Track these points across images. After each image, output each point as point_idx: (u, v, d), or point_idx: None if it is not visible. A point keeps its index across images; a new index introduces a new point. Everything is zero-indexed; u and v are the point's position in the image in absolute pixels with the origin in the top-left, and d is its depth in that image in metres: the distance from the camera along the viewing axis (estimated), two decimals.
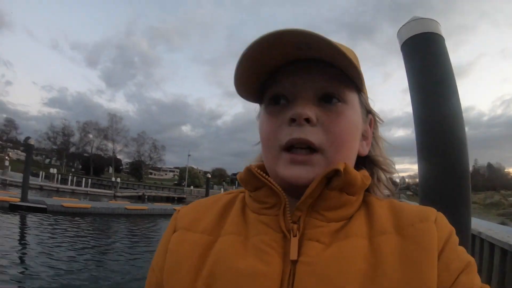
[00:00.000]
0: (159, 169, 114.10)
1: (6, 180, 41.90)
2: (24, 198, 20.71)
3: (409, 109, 2.96)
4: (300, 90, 0.66)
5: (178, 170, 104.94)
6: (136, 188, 58.19)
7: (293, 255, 0.60)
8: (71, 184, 50.26)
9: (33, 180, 36.49)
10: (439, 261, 0.57)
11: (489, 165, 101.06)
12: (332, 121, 0.65)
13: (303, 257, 0.60)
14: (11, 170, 55.21)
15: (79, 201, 27.30)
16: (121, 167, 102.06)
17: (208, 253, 0.66)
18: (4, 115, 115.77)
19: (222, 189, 55.23)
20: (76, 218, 19.94)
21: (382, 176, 0.78)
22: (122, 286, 8.88)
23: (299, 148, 0.64)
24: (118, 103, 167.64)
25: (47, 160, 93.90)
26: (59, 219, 18.79)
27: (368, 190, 0.74)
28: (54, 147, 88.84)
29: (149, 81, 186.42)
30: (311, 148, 0.63)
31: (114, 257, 12.03)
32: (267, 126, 0.68)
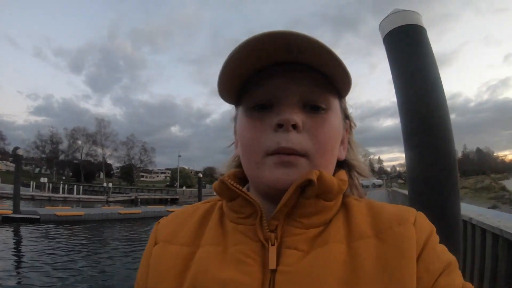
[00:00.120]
0: (150, 172, 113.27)
1: None
2: (16, 209, 20.47)
3: (396, 99, 2.99)
4: (285, 95, 0.64)
5: (169, 172, 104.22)
6: (128, 192, 57.60)
7: (272, 265, 0.60)
8: (63, 192, 49.76)
9: (24, 191, 35.98)
10: (419, 263, 0.58)
11: (478, 150, 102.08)
12: (318, 128, 0.64)
13: (282, 266, 0.60)
14: (1, 182, 54.48)
15: (72, 209, 27.05)
16: (112, 172, 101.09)
17: (189, 265, 0.66)
18: None
19: None
20: (70, 226, 19.80)
21: (356, 179, 0.80)
22: None
23: (284, 154, 0.62)
24: (105, 107, 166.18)
25: (37, 170, 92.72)
26: (53, 228, 18.63)
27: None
28: (43, 155, 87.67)
29: (135, 83, 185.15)
30: (294, 154, 0.63)
31: (111, 262, 11.97)
32: (250, 131, 0.66)
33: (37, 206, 29.93)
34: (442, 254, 0.61)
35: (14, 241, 15.37)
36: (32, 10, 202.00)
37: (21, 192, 23.47)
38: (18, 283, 9.24)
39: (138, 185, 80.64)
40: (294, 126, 0.62)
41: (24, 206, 24.04)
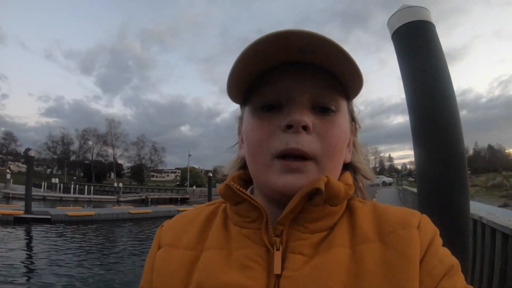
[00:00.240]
0: (160, 171, 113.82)
1: (9, 193, 41.80)
2: (28, 210, 20.67)
3: (405, 96, 2.97)
4: (295, 95, 0.63)
5: (179, 171, 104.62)
6: (138, 191, 57.92)
7: (277, 269, 0.60)
8: (74, 193, 50.07)
9: (35, 191, 36.37)
10: (421, 267, 0.57)
11: (490, 147, 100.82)
12: (327, 130, 0.63)
13: (286, 271, 0.59)
14: (13, 182, 55.08)
15: (83, 209, 27.35)
16: (122, 172, 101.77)
17: (193, 269, 0.65)
18: (3, 129, 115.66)
19: None
20: (81, 226, 19.95)
21: (361, 181, 0.79)
22: None
23: (293, 157, 0.61)
24: (116, 108, 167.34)
25: (49, 170, 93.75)
26: (64, 228, 18.82)
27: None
28: (55, 156, 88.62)
29: (145, 83, 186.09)
30: (303, 157, 0.61)
31: (122, 261, 12.11)
32: (258, 131, 0.64)
33: (49, 206, 30.21)
34: (445, 258, 0.60)
35: (26, 240, 15.57)
36: (41, 13, 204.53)
37: (33, 193, 23.74)
38: (29, 281, 9.34)
39: (149, 184, 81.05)
40: (304, 128, 0.61)
41: (35, 206, 24.33)
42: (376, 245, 0.60)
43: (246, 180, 0.76)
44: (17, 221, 19.57)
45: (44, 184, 52.61)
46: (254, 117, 0.66)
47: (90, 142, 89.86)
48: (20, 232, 17.27)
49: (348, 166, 0.76)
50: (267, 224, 0.64)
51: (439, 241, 0.63)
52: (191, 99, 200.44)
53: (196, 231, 0.72)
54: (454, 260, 0.61)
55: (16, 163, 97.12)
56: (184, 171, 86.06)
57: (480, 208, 4.86)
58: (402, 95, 2.95)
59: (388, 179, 62.33)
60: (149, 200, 46.01)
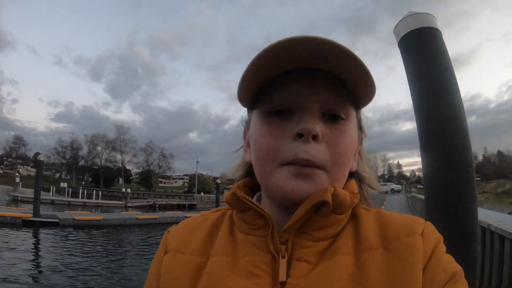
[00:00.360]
0: (168, 177, 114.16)
1: (17, 196, 42.02)
2: (36, 213, 20.77)
3: (412, 103, 2.96)
4: (306, 102, 0.62)
5: (187, 177, 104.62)
6: (146, 197, 58.02)
7: (282, 277, 0.60)
8: (82, 197, 50.26)
9: (44, 195, 36.56)
10: (424, 274, 0.57)
11: (499, 153, 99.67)
12: (337, 139, 0.63)
13: (292, 278, 0.59)
14: (22, 186, 55.39)
15: (91, 214, 27.41)
16: (130, 178, 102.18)
17: (200, 276, 0.66)
18: (13, 133, 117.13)
19: None
20: (89, 230, 20.03)
21: (365, 190, 0.79)
22: None
23: (302, 165, 0.61)
24: (125, 114, 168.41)
25: (57, 175, 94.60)
26: (72, 232, 18.87)
27: None
28: (64, 161, 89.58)
29: (154, 90, 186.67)
30: (312, 166, 0.61)
31: (129, 266, 12.15)
32: (267, 138, 0.64)
33: (57, 210, 30.31)
34: (448, 265, 0.60)
35: (34, 243, 15.63)
36: (52, 20, 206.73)
37: (41, 197, 23.87)
38: (36, 283, 9.39)
39: (157, 190, 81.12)
40: (314, 137, 0.61)
41: (44, 210, 24.39)
42: (380, 253, 0.60)
43: (251, 187, 0.76)
44: (25, 224, 19.65)
45: (52, 188, 52.96)
46: (262, 122, 0.66)
47: (99, 148, 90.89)
48: (28, 235, 17.35)
49: (353, 174, 0.75)
50: (272, 232, 0.64)
51: (442, 248, 0.63)
52: (199, 106, 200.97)
53: (202, 237, 0.72)
54: (457, 267, 0.61)
55: (25, 167, 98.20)
56: (192, 177, 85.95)
57: (489, 216, 4.81)
58: (410, 102, 2.95)
59: (396, 186, 61.94)
60: (157, 206, 46.06)
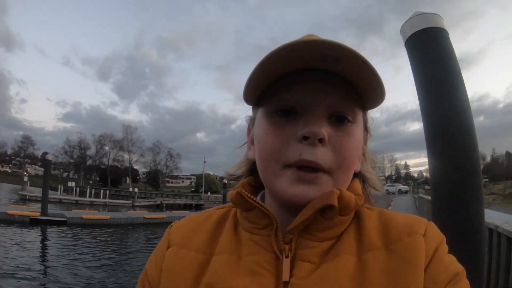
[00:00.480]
0: (175, 177, 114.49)
1: (26, 195, 42.25)
2: (44, 212, 20.93)
3: (419, 104, 2.95)
4: (313, 104, 0.62)
5: (194, 177, 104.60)
6: (154, 197, 58.20)
7: (285, 277, 0.59)
8: (90, 196, 50.45)
9: (52, 194, 36.75)
10: (426, 275, 0.57)
11: (508, 154, 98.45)
12: (343, 143, 0.62)
13: (294, 278, 0.59)
14: (30, 185, 55.76)
15: (98, 213, 27.54)
16: (138, 177, 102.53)
17: (203, 273, 0.65)
18: (21, 132, 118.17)
19: None
20: (96, 229, 20.11)
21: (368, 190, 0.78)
22: None
23: (306, 167, 0.60)
24: (132, 114, 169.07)
25: (65, 174, 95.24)
26: (79, 231, 18.98)
27: None
28: (71, 160, 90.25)
29: (161, 90, 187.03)
30: (317, 168, 0.61)
31: (136, 265, 12.16)
32: (272, 138, 0.63)
33: (64, 209, 30.48)
34: (450, 265, 0.60)
35: (41, 242, 15.74)
36: (59, 21, 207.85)
37: (49, 196, 24.00)
38: (45, 281, 9.46)
39: (164, 190, 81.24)
40: (320, 140, 0.60)
41: (51, 209, 24.56)
42: (382, 253, 0.60)
43: (255, 186, 0.76)
44: (33, 223, 19.79)
45: (60, 187, 53.25)
46: (268, 122, 0.65)
47: (107, 147, 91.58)
48: (36, 233, 17.48)
49: (357, 175, 0.75)
50: (276, 232, 0.64)
51: (444, 248, 0.62)
52: (206, 106, 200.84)
53: (207, 235, 0.72)
54: (459, 267, 0.60)
55: (33, 166, 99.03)
56: (199, 177, 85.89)
57: (497, 217, 4.78)
58: (418, 102, 2.94)
59: (404, 187, 61.55)
60: (164, 205, 46.22)
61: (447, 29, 2.91)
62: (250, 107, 0.74)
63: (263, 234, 0.65)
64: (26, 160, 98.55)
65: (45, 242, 15.70)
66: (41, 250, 13.83)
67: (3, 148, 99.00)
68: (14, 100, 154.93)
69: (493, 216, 4.62)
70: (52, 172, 76.85)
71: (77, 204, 40.17)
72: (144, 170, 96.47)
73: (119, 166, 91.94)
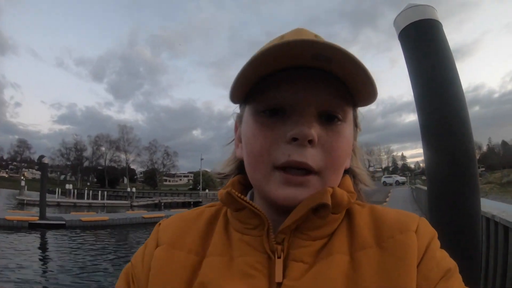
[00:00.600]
0: (173, 175, 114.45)
1: (23, 200, 42.21)
2: (42, 216, 20.87)
3: (413, 96, 2.96)
4: (302, 104, 0.60)
5: (192, 175, 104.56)
6: (152, 196, 58.03)
7: (278, 277, 0.59)
8: (88, 198, 50.36)
9: (50, 197, 36.59)
10: (418, 271, 0.57)
11: (504, 143, 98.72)
12: (333, 143, 0.61)
13: (287, 279, 0.58)
14: (28, 189, 55.69)
15: (97, 214, 27.54)
16: (135, 177, 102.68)
17: (195, 276, 0.64)
18: (16, 136, 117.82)
19: None
20: (95, 231, 20.11)
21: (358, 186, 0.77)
22: None
23: (295, 169, 0.59)
24: (127, 113, 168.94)
25: (62, 176, 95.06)
26: (78, 233, 18.98)
27: None
28: (68, 163, 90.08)
29: (156, 89, 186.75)
30: (307, 170, 0.60)
31: None
32: (260, 139, 0.62)
33: (63, 212, 30.52)
34: (442, 261, 0.60)
35: (41, 246, 15.74)
36: (52, 22, 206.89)
37: (47, 199, 23.96)
38: (46, 285, 9.46)
39: (162, 189, 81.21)
40: (310, 141, 0.59)
41: (50, 212, 24.52)
42: (374, 251, 0.60)
43: (245, 184, 0.74)
44: (32, 227, 19.74)
45: (58, 190, 53.07)
46: (256, 122, 0.63)
47: (103, 148, 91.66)
48: (35, 237, 17.46)
49: (347, 171, 0.74)
50: (268, 232, 0.63)
51: (436, 243, 0.62)
52: (201, 103, 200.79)
53: (199, 235, 0.71)
54: (451, 263, 0.60)
55: (30, 170, 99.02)
56: (196, 175, 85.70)
57: (493, 206, 4.79)
58: (413, 94, 2.94)
59: (401, 178, 61.83)
60: (162, 204, 46.11)
61: (440, 21, 2.91)
62: (235, 103, 0.72)
63: (255, 235, 0.64)
64: (23, 164, 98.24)
65: (45, 246, 15.72)
66: (41, 255, 13.84)
67: None
68: (8, 104, 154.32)
69: (490, 205, 4.62)
70: (49, 175, 76.85)
71: (75, 207, 40.06)
72: (141, 169, 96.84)
73: (116, 166, 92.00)
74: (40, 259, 12.96)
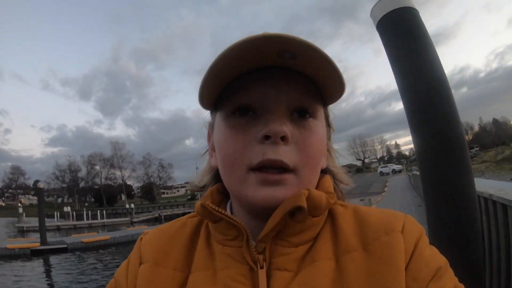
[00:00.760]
0: (170, 187, 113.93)
1: (23, 227, 41.91)
2: (43, 241, 20.74)
3: (397, 85, 2.97)
4: (272, 102, 0.59)
5: (189, 185, 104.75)
6: (151, 210, 57.98)
7: None
8: (87, 219, 50.16)
9: (49, 222, 36.52)
10: (407, 272, 0.56)
11: (495, 121, 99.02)
12: (306, 140, 0.60)
13: None
14: (26, 215, 55.17)
15: (98, 234, 27.38)
16: (133, 193, 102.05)
17: None
18: (9, 163, 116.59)
19: None
20: (98, 251, 20.02)
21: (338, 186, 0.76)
22: None
23: (271, 168, 0.58)
24: (118, 129, 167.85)
25: (60, 199, 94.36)
26: (81, 255, 18.91)
27: None
28: (64, 185, 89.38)
29: (144, 102, 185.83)
30: (283, 168, 0.58)
31: None
32: (233, 142, 0.60)
33: (64, 235, 30.36)
34: (431, 260, 0.59)
35: (46, 271, 15.62)
36: (33, 45, 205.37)
37: (46, 224, 23.85)
38: None
39: (160, 202, 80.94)
40: (283, 138, 0.58)
41: (51, 237, 24.40)
42: (360, 254, 0.59)
43: (224, 192, 0.72)
44: (34, 254, 19.61)
45: (56, 213, 52.81)
46: (227, 126, 0.62)
47: (97, 167, 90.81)
48: (38, 264, 17.35)
49: (325, 171, 0.73)
50: (248, 241, 0.61)
51: (424, 241, 0.62)
52: (191, 112, 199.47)
53: (182, 251, 0.69)
54: (441, 261, 0.60)
55: (26, 196, 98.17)
56: None
57: (489, 185, 4.79)
58: None
59: (397, 167, 61.98)
60: (163, 217, 46.09)
61: (417, 8, 2.92)
62: (206, 110, 0.71)
63: (235, 246, 0.63)
64: (19, 191, 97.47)
65: (50, 272, 15.60)
66: (46, 280, 13.75)
67: None
68: None
69: (486, 185, 4.61)
70: (46, 199, 76.62)
71: (75, 229, 39.97)
72: (138, 184, 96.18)
73: (113, 184, 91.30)
74: (46, 285, 12.89)
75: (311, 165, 0.62)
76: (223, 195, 0.73)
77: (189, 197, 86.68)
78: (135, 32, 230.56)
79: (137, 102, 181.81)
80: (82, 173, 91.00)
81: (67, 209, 55.62)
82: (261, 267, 0.59)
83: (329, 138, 0.75)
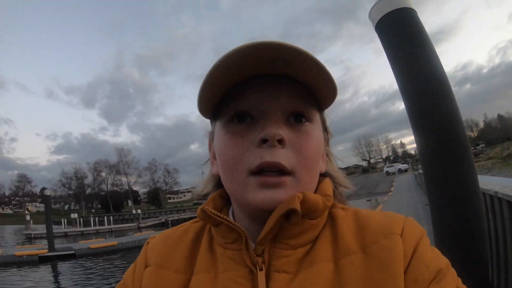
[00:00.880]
0: (176, 192, 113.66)
1: (30, 234, 41.96)
2: (51, 248, 20.77)
3: (397, 85, 2.99)
4: (268, 108, 0.61)
5: (192, 193, 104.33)
6: (158, 215, 57.93)
7: None
8: (94, 225, 50.15)
9: (56, 229, 36.56)
10: (407, 276, 0.56)
11: (499, 117, 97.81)
12: (302, 143, 0.62)
13: None
14: (33, 223, 55.29)
15: (105, 240, 27.40)
16: (139, 198, 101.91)
17: None
18: (16, 172, 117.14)
19: None
20: (106, 257, 20.05)
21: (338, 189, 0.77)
22: None
23: (269, 171, 0.59)
24: (123, 136, 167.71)
25: (66, 206, 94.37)
26: (89, 261, 18.93)
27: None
28: (70, 192, 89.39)
29: (149, 108, 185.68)
30: (281, 171, 0.60)
31: None
32: (232, 147, 0.62)
33: (71, 241, 30.39)
34: (432, 262, 0.59)
35: (54, 278, 15.65)
36: (37, 54, 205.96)
37: (54, 230, 23.86)
38: None
39: (167, 207, 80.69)
40: (280, 141, 0.59)
41: (58, 243, 24.43)
42: (359, 257, 0.59)
43: (226, 197, 0.74)
44: (42, 260, 19.62)
45: (64, 220, 52.91)
46: (226, 133, 0.64)
47: (103, 173, 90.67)
48: (46, 270, 17.40)
49: (325, 175, 0.74)
50: (247, 244, 0.63)
51: (425, 243, 0.62)
52: (195, 116, 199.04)
53: (185, 253, 0.72)
54: (442, 262, 0.60)
55: (33, 203, 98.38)
56: None
57: (494, 182, 4.75)
58: None
59: (403, 166, 61.54)
60: (169, 222, 46.08)
61: (415, 8, 2.94)
62: (206, 118, 0.74)
63: (235, 248, 0.65)
64: (26, 198, 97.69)
65: (58, 278, 15.62)
66: (55, 287, 13.77)
67: (0, 190, 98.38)
68: (4, 141, 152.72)
69: (491, 182, 4.57)
70: (53, 206, 76.66)
71: (83, 235, 39.98)
72: (144, 190, 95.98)
73: (119, 190, 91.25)
74: None
75: (308, 167, 0.63)
76: (226, 200, 0.75)
77: (195, 201, 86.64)
78: (137, 39, 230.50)
79: (141, 108, 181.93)
80: (88, 180, 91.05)
81: (74, 215, 55.70)
82: (260, 269, 0.60)
83: (327, 143, 0.77)
